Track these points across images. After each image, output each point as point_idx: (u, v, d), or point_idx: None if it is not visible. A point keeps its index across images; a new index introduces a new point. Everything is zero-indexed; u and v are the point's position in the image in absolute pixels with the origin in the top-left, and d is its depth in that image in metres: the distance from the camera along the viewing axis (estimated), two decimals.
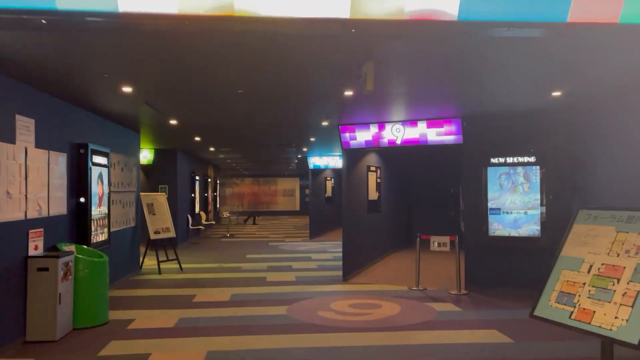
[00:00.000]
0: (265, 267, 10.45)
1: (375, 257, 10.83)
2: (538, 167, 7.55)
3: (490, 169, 7.81)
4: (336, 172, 19.37)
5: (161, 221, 10.21)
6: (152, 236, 9.89)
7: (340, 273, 9.13)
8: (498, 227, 7.75)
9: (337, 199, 19.44)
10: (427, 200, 13.90)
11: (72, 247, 6.20)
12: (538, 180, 7.54)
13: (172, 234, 10.34)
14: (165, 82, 5.71)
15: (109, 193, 7.77)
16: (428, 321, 6.15)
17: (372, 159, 10.64)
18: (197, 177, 17.01)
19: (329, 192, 19.16)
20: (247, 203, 32.58)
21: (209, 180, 20.48)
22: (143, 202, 9.94)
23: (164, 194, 10.92)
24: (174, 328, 5.90)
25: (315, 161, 16.76)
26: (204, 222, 17.68)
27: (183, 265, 10.36)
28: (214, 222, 20.84)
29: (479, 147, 7.96)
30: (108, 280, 6.29)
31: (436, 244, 8.12)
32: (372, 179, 10.57)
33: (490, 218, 7.79)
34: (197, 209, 16.96)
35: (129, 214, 9.21)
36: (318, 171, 17.59)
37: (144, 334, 5.65)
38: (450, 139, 8.11)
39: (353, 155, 9.48)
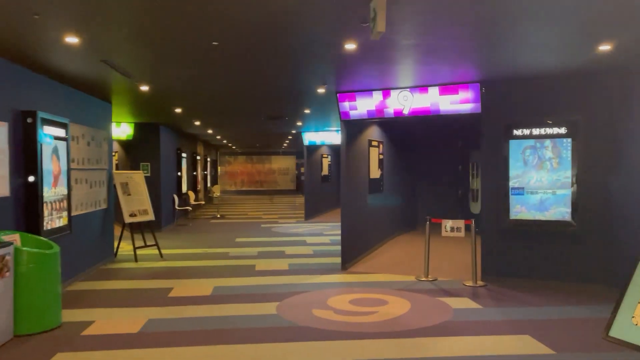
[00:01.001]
0: (255, 253, 9.42)
1: (378, 242, 9.80)
2: (570, 140, 6.48)
3: (512, 142, 6.75)
4: (333, 148, 18.30)
5: (138, 202, 9.11)
6: (127, 219, 8.81)
7: (338, 260, 8.11)
8: (521, 209, 6.71)
9: (335, 177, 18.41)
10: (433, 178, 12.80)
11: (15, 237, 5.12)
12: (569, 155, 6.47)
13: (150, 216, 9.25)
14: (119, 32, 4.55)
15: (69, 171, 6.65)
16: (444, 323, 5.14)
17: (374, 133, 9.53)
18: (183, 155, 15.86)
19: (325, 170, 18.09)
20: (241, 182, 31.61)
21: (198, 158, 19.31)
22: (116, 181, 8.83)
23: (141, 172, 9.76)
24: (138, 334, 4.86)
25: (311, 137, 15.61)
26: (192, 202, 16.60)
27: (165, 251, 9.34)
28: (203, 202, 19.76)
29: (500, 116, 6.87)
30: (60, 275, 5.21)
31: (448, 229, 7.07)
32: (374, 154, 9.46)
33: (512, 199, 6.75)
34: (184, 189, 15.86)
35: (98, 194, 8.11)
36: (314, 148, 16.48)
37: (99, 343, 4.61)
38: (466, 107, 7.00)
39: (353, 128, 8.36)
